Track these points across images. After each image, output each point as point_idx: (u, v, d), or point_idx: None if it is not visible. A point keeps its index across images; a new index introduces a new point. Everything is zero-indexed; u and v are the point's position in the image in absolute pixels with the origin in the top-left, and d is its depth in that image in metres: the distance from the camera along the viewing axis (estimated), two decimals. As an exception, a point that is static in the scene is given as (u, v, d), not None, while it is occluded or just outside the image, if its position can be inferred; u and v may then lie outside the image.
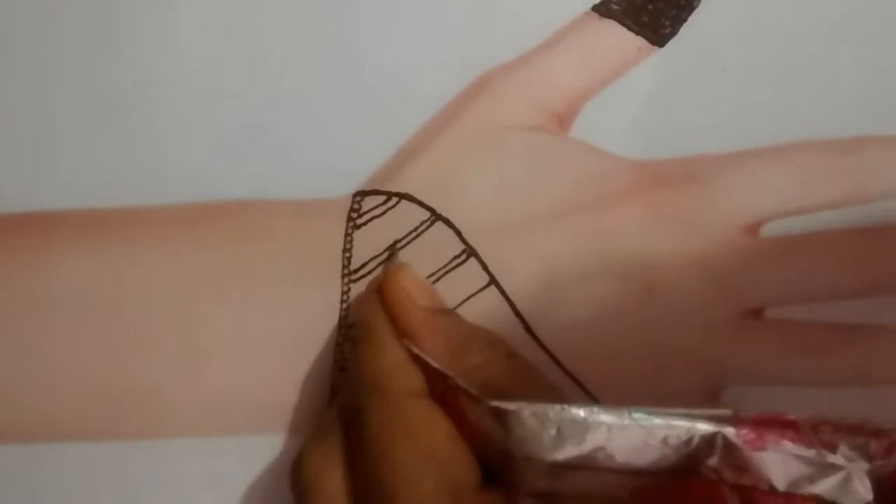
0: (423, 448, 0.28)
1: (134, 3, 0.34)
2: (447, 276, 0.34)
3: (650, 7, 0.34)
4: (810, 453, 0.26)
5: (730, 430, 0.26)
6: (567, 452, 0.27)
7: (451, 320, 0.32)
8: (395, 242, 0.33)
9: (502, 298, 0.34)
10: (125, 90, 0.34)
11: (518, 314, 0.34)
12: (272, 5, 0.34)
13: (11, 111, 0.34)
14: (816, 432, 0.26)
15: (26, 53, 0.34)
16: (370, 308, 0.32)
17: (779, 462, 0.26)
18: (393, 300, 0.32)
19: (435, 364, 0.29)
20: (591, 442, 0.26)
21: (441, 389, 0.29)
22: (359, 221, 0.34)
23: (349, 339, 0.33)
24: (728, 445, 0.26)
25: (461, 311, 0.33)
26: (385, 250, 0.34)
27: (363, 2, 0.34)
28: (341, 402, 0.31)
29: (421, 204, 0.34)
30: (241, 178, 0.34)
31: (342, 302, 0.34)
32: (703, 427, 0.26)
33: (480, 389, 0.28)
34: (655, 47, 0.34)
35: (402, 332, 0.31)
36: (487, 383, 0.29)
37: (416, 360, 0.30)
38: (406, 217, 0.34)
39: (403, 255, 0.34)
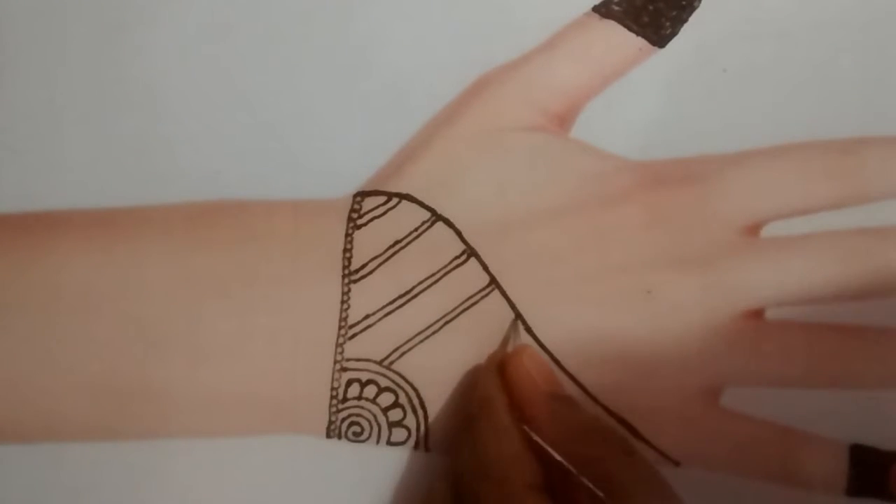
0: None
1: (138, 6, 0.34)
2: (447, 275, 0.34)
3: (651, 8, 0.34)
4: None
5: None
6: None
7: (571, 409, 0.32)
8: (517, 317, 0.33)
9: (502, 298, 0.34)
10: (129, 90, 0.34)
11: (518, 314, 0.34)
12: (273, 7, 0.34)
13: (17, 111, 0.34)
14: None
15: (32, 54, 0.34)
16: (491, 386, 0.32)
17: None
18: (516, 383, 0.32)
19: (558, 457, 0.30)
20: None
21: (560, 482, 0.30)
22: (359, 221, 0.34)
23: (467, 416, 0.33)
24: None
25: (461, 314, 0.34)
26: (508, 326, 0.33)
27: (364, 3, 0.34)
28: (453, 478, 0.31)
29: (421, 204, 0.34)
30: (242, 178, 0.34)
31: (343, 302, 0.34)
32: None
33: (597, 484, 0.29)
34: (656, 48, 0.34)
35: (523, 418, 0.31)
36: (605, 478, 0.29)
37: (537, 448, 0.30)
38: (406, 217, 0.34)
39: (403, 256, 0.34)
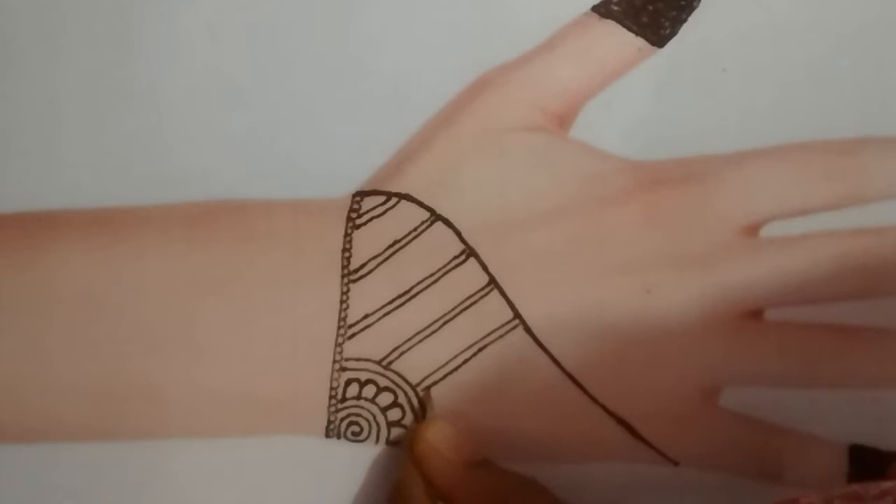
0: None
1: (139, 7, 0.34)
2: (446, 275, 0.34)
3: (650, 8, 0.34)
4: None
5: None
6: None
7: (487, 473, 0.32)
8: (428, 388, 0.33)
9: (502, 298, 0.34)
10: (129, 91, 0.34)
11: (517, 314, 0.34)
12: (273, 8, 0.34)
13: (17, 111, 0.34)
14: None
15: (32, 55, 0.34)
16: (403, 470, 0.32)
17: None
18: (425, 461, 0.32)
19: None
20: None
21: None
22: (359, 221, 0.34)
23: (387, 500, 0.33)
24: None
25: (460, 313, 0.34)
26: (415, 389, 0.33)
27: (364, 3, 0.34)
28: None
29: (421, 204, 0.34)
30: (242, 178, 0.34)
31: (342, 302, 0.34)
32: None
33: None
34: (655, 48, 0.34)
35: (438, 495, 0.31)
36: None
37: None
38: (406, 217, 0.34)
39: (402, 256, 0.34)
